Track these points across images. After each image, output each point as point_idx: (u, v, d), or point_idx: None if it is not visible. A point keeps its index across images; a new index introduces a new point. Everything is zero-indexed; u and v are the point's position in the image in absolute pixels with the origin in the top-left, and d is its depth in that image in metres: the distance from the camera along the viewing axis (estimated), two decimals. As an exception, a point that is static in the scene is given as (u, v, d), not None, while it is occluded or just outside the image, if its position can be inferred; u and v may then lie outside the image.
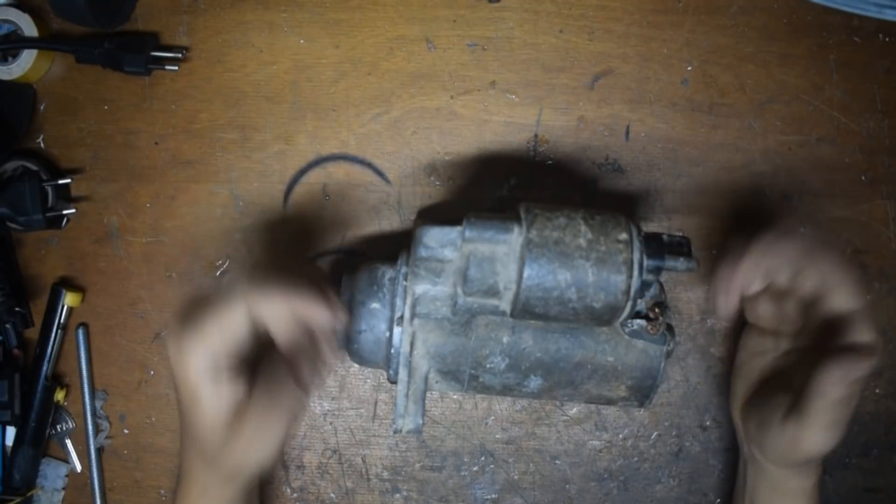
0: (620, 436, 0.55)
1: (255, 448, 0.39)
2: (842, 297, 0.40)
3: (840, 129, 0.54)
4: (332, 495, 0.55)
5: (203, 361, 0.37)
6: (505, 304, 0.41)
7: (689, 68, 0.54)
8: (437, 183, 0.54)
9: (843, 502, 0.55)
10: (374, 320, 0.44)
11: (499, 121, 0.54)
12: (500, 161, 0.54)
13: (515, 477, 0.55)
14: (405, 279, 0.44)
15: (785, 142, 0.54)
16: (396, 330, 0.44)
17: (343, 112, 0.54)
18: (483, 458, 0.55)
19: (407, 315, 0.43)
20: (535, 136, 0.54)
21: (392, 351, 0.44)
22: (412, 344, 0.43)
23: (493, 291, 0.41)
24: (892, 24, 0.53)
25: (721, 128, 0.54)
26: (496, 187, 0.54)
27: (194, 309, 0.38)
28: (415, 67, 0.54)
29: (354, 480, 0.55)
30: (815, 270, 0.40)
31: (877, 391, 0.54)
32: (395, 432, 0.44)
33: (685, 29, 0.54)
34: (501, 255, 0.41)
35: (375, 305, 0.45)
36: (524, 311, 0.40)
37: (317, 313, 0.38)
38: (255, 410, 0.38)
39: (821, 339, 0.41)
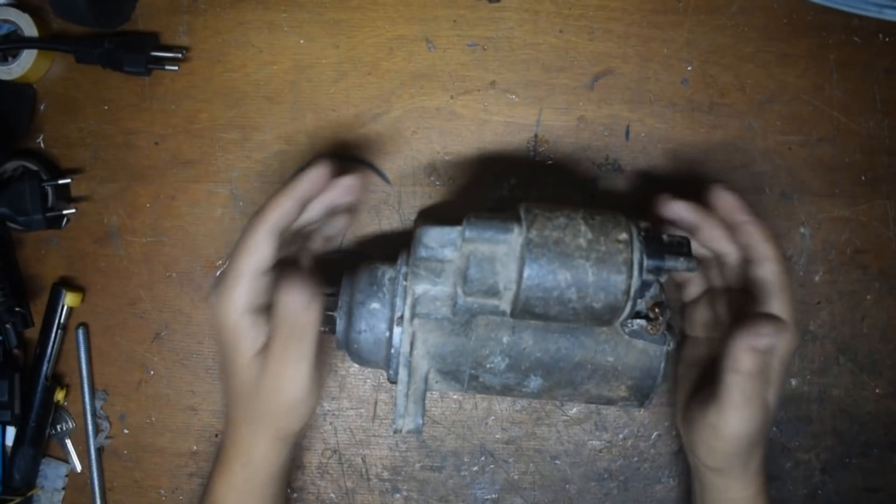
0: (620, 436, 0.55)
1: (283, 381, 0.41)
2: (765, 267, 0.43)
3: (840, 129, 0.54)
4: (331, 495, 0.55)
5: (243, 298, 0.40)
6: (505, 304, 0.41)
7: (689, 68, 0.54)
8: (437, 183, 0.54)
9: (843, 502, 0.55)
10: (374, 320, 0.44)
11: (499, 121, 0.54)
12: (500, 161, 0.54)
13: (515, 477, 0.55)
14: (405, 279, 0.44)
15: (785, 142, 0.54)
16: (396, 330, 0.43)
17: (343, 112, 0.54)
18: (483, 458, 0.55)
19: (407, 315, 0.43)
20: (535, 136, 0.54)
21: (392, 351, 0.44)
22: (412, 344, 0.43)
23: (493, 291, 0.41)
24: (892, 24, 0.53)
25: (721, 128, 0.54)
26: (496, 187, 0.54)
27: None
28: (415, 67, 0.54)
29: (354, 480, 0.55)
30: (746, 237, 0.44)
31: (877, 391, 0.54)
32: (395, 432, 0.44)
33: (685, 29, 0.54)
34: (501, 255, 0.41)
35: (375, 305, 0.45)
36: (524, 311, 0.40)
37: (315, 183, 0.43)
38: (275, 344, 0.41)
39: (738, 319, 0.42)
